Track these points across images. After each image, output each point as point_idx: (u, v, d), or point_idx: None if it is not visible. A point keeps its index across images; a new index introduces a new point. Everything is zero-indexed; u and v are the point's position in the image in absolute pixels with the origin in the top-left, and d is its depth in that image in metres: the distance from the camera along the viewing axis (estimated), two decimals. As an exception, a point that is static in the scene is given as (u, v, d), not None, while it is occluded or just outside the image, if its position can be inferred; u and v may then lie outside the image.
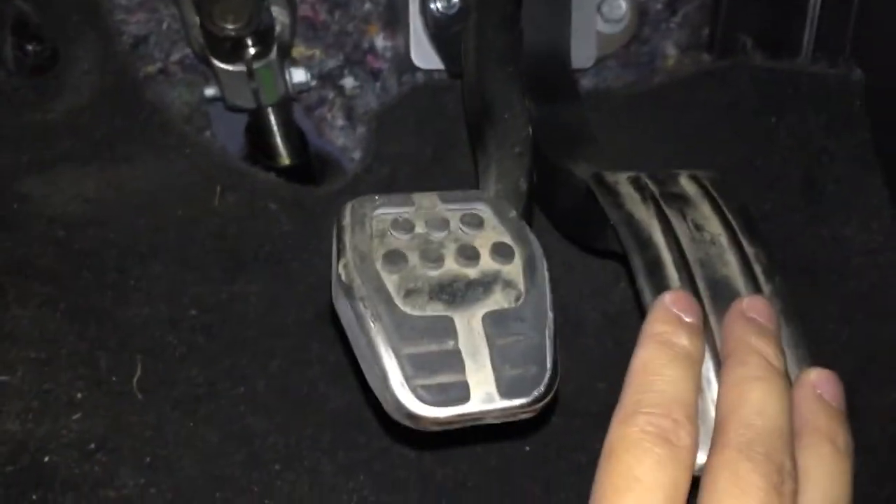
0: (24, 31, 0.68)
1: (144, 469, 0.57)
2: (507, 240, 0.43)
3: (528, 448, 0.63)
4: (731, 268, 0.42)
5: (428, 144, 0.76)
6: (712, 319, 0.40)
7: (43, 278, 0.62)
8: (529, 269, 0.42)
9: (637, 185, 0.46)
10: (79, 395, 0.59)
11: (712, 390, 0.38)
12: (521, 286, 0.41)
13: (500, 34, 0.54)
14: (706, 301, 0.40)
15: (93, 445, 0.57)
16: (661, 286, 0.41)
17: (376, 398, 0.39)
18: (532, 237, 0.43)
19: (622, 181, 0.47)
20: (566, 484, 0.61)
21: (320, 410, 0.61)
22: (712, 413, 0.37)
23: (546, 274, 0.42)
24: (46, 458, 0.56)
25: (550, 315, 0.41)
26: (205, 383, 0.61)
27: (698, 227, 0.44)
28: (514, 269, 0.42)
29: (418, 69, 0.76)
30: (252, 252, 0.67)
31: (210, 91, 0.72)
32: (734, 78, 0.75)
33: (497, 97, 0.52)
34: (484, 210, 0.44)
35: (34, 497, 0.55)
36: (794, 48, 0.71)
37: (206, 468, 0.58)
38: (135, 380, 0.60)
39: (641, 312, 0.41)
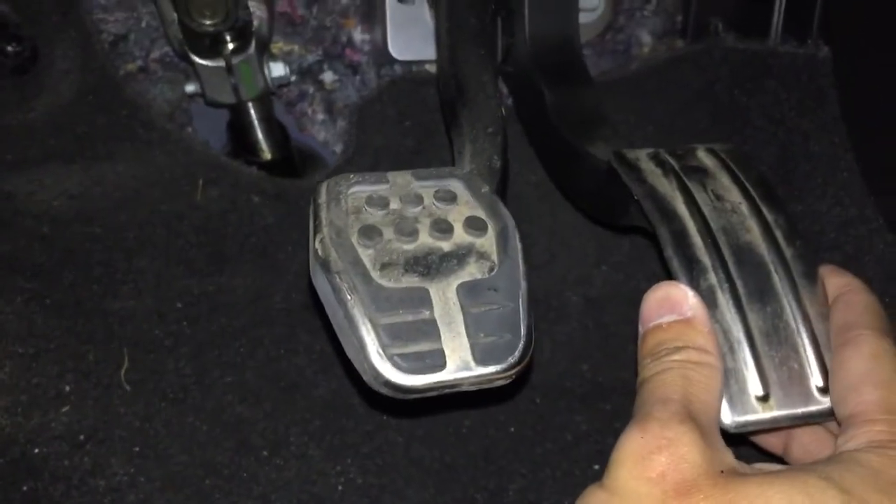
0: (3, 32, 0.69)
1: (134, 458, 0.58)
2: (480, 213, 0.44)
3: (513, 429, 0.63)
4: (754, 234, 0.43)
5: (409, 136, 0.77)
6: (738, 284, 0.41)
7: (29, 274, 0.63)
8: (502, 240, 0.43)
9: (657, 160, 0.48)
10: (67, 388, 0.59)
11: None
12: (495, 257, 0.42)
13: (471, 16, 0.55)
14: (731, 266, 0.42)
15: (82, 437, 0.58)
16: (687, 255, 0.42)
17: (362, 382, 0.40)
18: (504, 211, 0.44)
19: (643, 158, 0.48)
20: (552, 462, 0.62)
21: (308, 397, 0.62)
22: None
23: (518, 245, 0.43)
24: (36, 451, 0.57)
25: (523, 284, 0.41)
26: (193, 373, 0.62)
27: (719, 197, 0.45)
28: (487, 242, 0.43)
29: (397, 61, 0.77)
30: (237, 245, 0.68)
31: (190, 87, 0.73)
32: (708, 61, 0.76)
33: (470, 78, 0.53)
34: (457, 186, 0.45)
35: (25, 489, 0.55)
36: (764, 29, 0.73)
37: (196, 456, 0.59)
38: (123, 372, 0.61)
39: (670, 278, 0.42)
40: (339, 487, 0.59)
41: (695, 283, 0.41)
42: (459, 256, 0.42)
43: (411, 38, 0.75)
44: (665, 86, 0.78)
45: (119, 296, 0.64)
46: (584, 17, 0.80)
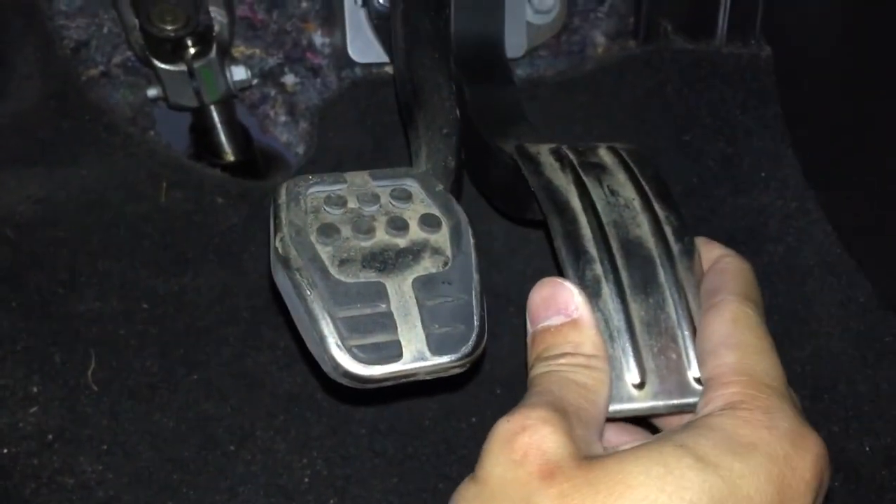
0: (-35, 39, 0.69)
1: (102, 456, 0.59)
2: (435, 211, 0.46)
3: (474, 420, 0.65)
4: (643, 228, 0.45)
5: (370, 136, 0.78)
6: (623, 276, 0.43)
7: (-6, 278, 0.63)
8: (456, 236, 0.45)
9: (557, 154, 0.49)
10: (35, 389, 0.60)
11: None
12: (449, 252, 0.44)
13: (426, 20, 0.57)
14: (618, 258, 0.43)
15: (51, 436, 0.59)
16: (575, 246, 0.43)
17: (326, 377, 0.41)
18: (458, 208, 0.46)
19: (543, 152, 0.49)
20: (511, 451, 0.64)
21: (272, 393, 0.64)
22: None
23: (472, 241, 0.45)
24: (5, 450, 0.58)
25: (476, 277, 0.43)
26: (159, 372, 0.63)
27: (613, 193, 0.46)
28: (441, 238, 0.45)
29: (357, 64, 0.79)
30: (201, 245, 0.69)
31: (153, 92, 0.74)
32: (658, 62, 0.78)
33: (426, 81, 0.55)
34: (412, 185, 0.47)
35: (-6, 488, 0.56)
36: (711, 31, 0.75)
37: (163, 452, 0.60)
38: (89, 372, 0.62)
39: (559, 272, 0.44)
40: (306, 479, 0.60)
41: (580, 274, 0.42)
42: (415, 252, 0.44)
43: (370, 41, 0.77)
44: (618, 85, 0.80)
45: (85, 298, 0.64)
46: (539, 19, 0.83)
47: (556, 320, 0.40)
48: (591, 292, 0.41)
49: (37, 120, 0.71)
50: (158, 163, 0.72)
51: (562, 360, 0.39)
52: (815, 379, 0.64)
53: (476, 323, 0.42)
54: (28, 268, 0.65)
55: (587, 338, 0.39)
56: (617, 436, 0.42)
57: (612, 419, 0.40)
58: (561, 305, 0.40)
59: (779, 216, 0.69)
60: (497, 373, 0.67)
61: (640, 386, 0.40)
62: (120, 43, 0.76)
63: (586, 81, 0.81)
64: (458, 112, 0.54)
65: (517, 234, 0.75)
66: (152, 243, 0.68)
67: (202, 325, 0.65)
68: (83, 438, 0.59)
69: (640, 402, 0.40)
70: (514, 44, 0.80)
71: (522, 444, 0.34)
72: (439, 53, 0.56)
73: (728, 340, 0.39)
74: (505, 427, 0.35)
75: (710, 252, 0.45)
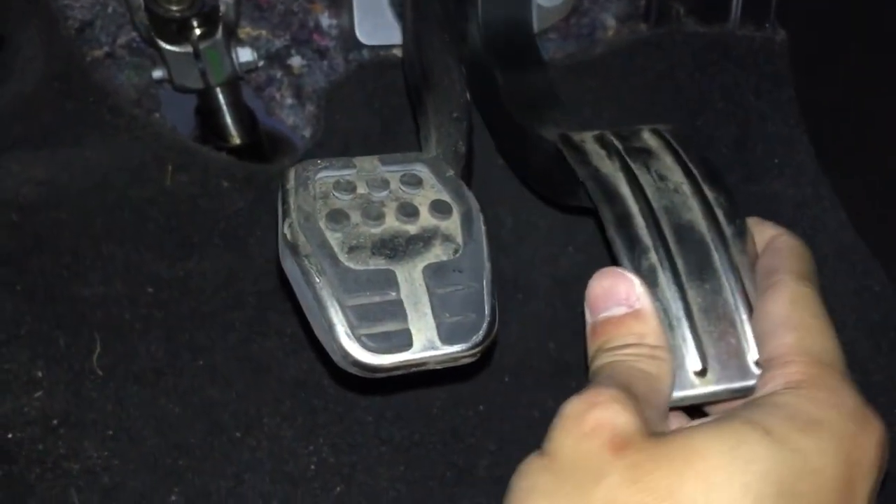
0: (-33, 20, 0.68)
1: (107, 441, 0.59)
2: (445, 197, 0.45)
3: (481, 408, 0.65)
4: (695, 213, 0.44)
5: (377, 119, 0.77)
6: (679, 262, 0.42)
7: (-2, 261, 0.63)
8: (466, 223, 0.44)
9: (602, 142, 0.48)
10: (39, 374, 0.60)
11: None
12: (459, 239, 0.43)
13: (435, 2, 0.56)
14: (672, 245, 0.43)
15: (55, 421, 0.59)
16: (629, 235, 0.43)
17: (333, 363, 0.41)
18: (469, 194, 0.45)
19: (588, 139, 0.49)
20: (520, 439, 0.64)
21: (279, 379, 0.63)
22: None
23: (483, 228, 0.44)
24: (10, 435, 0.57)
25: (488, 265, 0.43)
26: (164, 357, 0.62)
27: (662, 178, 0.46)
28: (452, 225, 0.44)
29: (364, 46, 0.78)
30: (206, 229, 0.68)
31: (158, 73, 0.73)
32: (670, 45, 0.77)
33: (435, 64, 0.54)
34: (422, 170, 0.46)
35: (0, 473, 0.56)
36: (724, 14, 0.74)
37: (169, 438, 0.60)
38: (94, 357, 0.61)
39: (612, 261, 0.43)
40: (312, 466, 0.60)
41: (636, 263, 0.42)
42: (425, 239, 0.43)
43: (378, 23, 0.76)
44: (628, 69, 0.79)
45: (89, 281, 0.64)
46: (549, 2, 0.81)
47: (617, 311, 0.40)
48: (648, 282, 0.41)
49: (40, 101, 0.70)
50: (163, 145, 0.71)
51: (626, 351, 0.39)
52: (828, 368, 0.63)
53: (487, 311, 0.41)
54: (31, 251, 0.64)
55: (650, 328, 0.39)
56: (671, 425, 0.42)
57: (676, 407, 0.40)
58: (622, 296, 0.40)
59: (792, 203, 0.68)
60: (505, 361, 0.67)
61: (702, 373, 0.40)
62: (125, 23, 0.75)
63: (596, 65, 0.80)
64: (468, 95, 0.53)
65: (525, 219, 0.75)
66: (157, 227, 0.67)
67: (207, 310, 0.65)
68: (88, 423, 0.59)
69: (703, 388, 0.40)
70: (524, 27, 0.78)
71: (593, 419, 0.34)
72: (449, 36, 0.55)
73: (787, 321, 0.39)
74: (575, 404, 0.35)
75: (763, 231, 0.44)
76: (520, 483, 0.35)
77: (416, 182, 0.45)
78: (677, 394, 0.39)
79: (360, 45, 0.78)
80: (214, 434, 0.60)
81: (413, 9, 0.56)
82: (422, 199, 0.45)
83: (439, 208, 0.44)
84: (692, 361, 0.40)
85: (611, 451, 0.33)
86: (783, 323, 0.39)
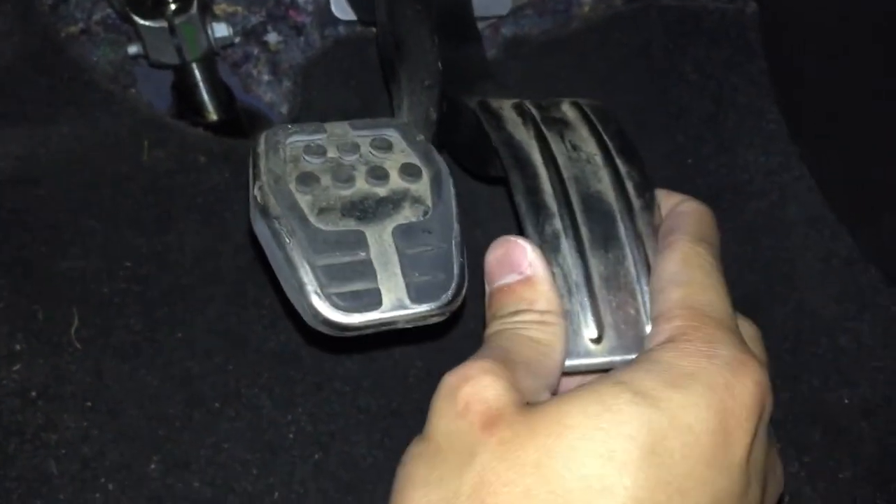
0: (-60, -6, 0.68)
1: (86, 413, 0.59)
2: (415, 160, 0.46)
3: (459, 376, 0.65)
4: (604, 183, 0.44)
5: (354, 95, 0.78)
6: (583, 231, 0.42)
7: (-25, 236, 0.63)
8: (436, 186, 0.44)
9: (519, 110, 0.48)
10: (18, 347, 0.60)
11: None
12: (429, 202, 0.44)
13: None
14: (578, 213, 0.42)
15: (34, 393, 0.59)
16: (535, 201, 0.43)
17: (310, 334, 0.41)
18: (438, 158, 0.46)
19: (506, 107, 0.49)
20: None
21: (257, 351, 0.64)
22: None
23: (452, 190, 0.44)
24: (-12, 407, 0.58)
25: (456, 227, 0.43)
26: (143, 330, 0.63)
27: (575, 148, 0.46)
28: (421, 187, 0.44)
29: (340, 22, 0.78)
30: (184, 204, 0.69)
31: (133, 49, 0.73)
32: (644, 20, 0.78)
33: (408, 33, 0.54)
34: (392, 135, 0.47)
35: (-22, 444, 0.56)
36: (697, -13, 0.75)
37: (148, 410, 0.60)
38: (73, 330, 0.62)
39: (519, 229, 0.43)
40: (290, 435, 0.61)
41: (540, 229, 0.42)
42: (395, 201, 0.43)
43: (353, -1, 0.76)
44: (604, 44, 0.79)
45: (67, 256, 0.64)
46: (525, -23, 0.82)
47: (510, 279, 0.40)
48: (551, 247, 0.41)
49: (16, 78, 0.70)
50: (140, 121, 0.71)
51: (515, 318, 0.39)
52: (796, 333, 0.65)
53: (456, 271, 0.42)
54: (9, 226, 0.64)
55: (540, 294, 0.39)
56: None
57: (569, 373, 0.40)
58: (514, 264, 0.40)
59: (763, 172, 0.69)
60: (481, 330, 0.67)
61: (598, 340, 0.40)
62: None
63: (572, 40, 0.81)
64: (440, 65, 0.54)
65: (501, 193, 0.75)
66: (135, 202, 0.68)
67: (186, 284, 0.65)
68: (67, 395, 0.59)
69: (597, 357, 0.39)
70: (499, 2, 0.79)
71: (464, 395, 0.34)
72: (421, 6, 0.55)
73: (676, 278, 0.39)
74: (448, 380, 0.35)
75: (670, 200, 0.44)
76: (400, 471, 0.35)
77: (387, 146, 0.46)
78: (570, 361, 0.39)
79: (336, 21, 0.78)
80: (193, 405, 0.61)
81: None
82: (392, 163, 0.45)
83: (409, 171, 0.45)
84: (588, 329, 0.40)
85: (481, 428, 0.33)
86: (672, 280, 0.39)
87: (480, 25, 0.72)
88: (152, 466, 0.58)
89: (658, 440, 0.32)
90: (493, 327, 0.39)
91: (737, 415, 0.34)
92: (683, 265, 0.39)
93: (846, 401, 0.62)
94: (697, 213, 0.42)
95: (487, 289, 0.41)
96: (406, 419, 0.63)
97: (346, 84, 0.78)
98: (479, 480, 0.32)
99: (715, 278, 0.39)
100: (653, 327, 0.38)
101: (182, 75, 0.76)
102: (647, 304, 0.40)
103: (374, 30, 0.79)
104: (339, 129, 0.46)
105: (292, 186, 0.42)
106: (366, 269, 0.41)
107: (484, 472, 0.32)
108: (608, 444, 0.32)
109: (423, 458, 0.35)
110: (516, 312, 0.39)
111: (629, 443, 0.32)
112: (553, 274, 0.40)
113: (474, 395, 0.34)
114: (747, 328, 0.40)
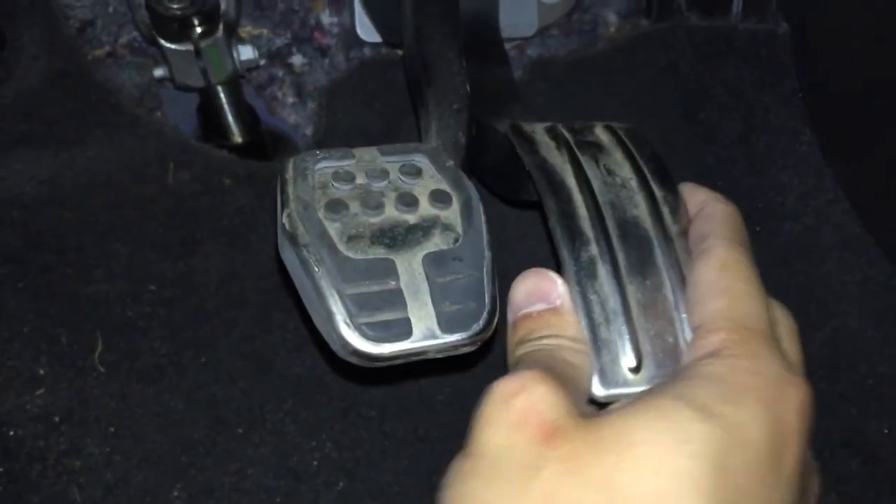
0: (-31, 18, 0.69)
1: (109, 438, 0.59)
2: (445, 187, 0.45)
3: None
4: (640, 209, 0.43)
5: (379, 117, 0.77)
6: (620, 257, 0.41)
7: (1, 259, 0.63)
8: (466, 212, 0.44)
9: (553, 133, 0.48)
10: (41, 371, 0.60)
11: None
12: (459, 229, 0.43)
13: (434, -5, 0.56)
14: (615, 239, 0.41)
15: (57, 418, 0.59)
16: (570, 226, 0.42)
17: (336, 359, 0.40)
18: (468, 183, 0.45)
19: (538, 131, 0.48)
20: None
21: (282, 375, 0.63)
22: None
23: (482, 217, 0.44)
24: (11, 433, 0.57)
25: (488, 254, 0.42)
26: (167, 354, 0.62)
27: (610, 172, 0.45)
28: (451, 214, 0.44)
29: (365, 44, 0.78)
30: (209, 227, 0.68)
31: (159, 72, 0.73)
32: (672, 40, 0.77)
33: (435, 56, 0.54)
34: (421, 160, 0.46)
35: (1, 470, 0.56)
36: (725, 7, 0.74)
37: (171, 434, 0.59)
38: (96, 354, 0.61)
39: (554, 255, 0.42)
40: (315, 462, 0.60)
41: (576, 254, 0.41)
42: (425, 228, 0.43)
43: (379, 21, 0.76)
44: (631, 64, 0.79)
45: (92, 279, 0.64)
46: (550, -2, 0.81)
47: (538, 307, 0.39)
48: (587, 273, 0.40)
49: (42, 100, 0.70)
50: (165, 143, 0.71)
51: (546, 341, 0.38)
52: (833, 360, 0.63)
53: (487, 300, 0.41)
54: (35, 249, 0.64)
55: (570, 324, 0.38)
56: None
57: (607, 403, 0.39)
58: (544, 293, 0.39)
59: (796, 194, 0.68)
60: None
61: (636, 370, 0.38)
62: (126, 22, 0.75)
63: (598, 61, 0.80)
64: (468, 87, 0.53)
65: (529, 216, 0.75)
66: (159, 224, 0.67)
67: (211, 307, 0.65)
68: (90, 420, 0.59)
69: (635, 387, 0.38)
70: (525, 23, 0.78)
71: (519, 405, 0.32)
72: (449, 28, 0.55)
73: (715, 286, 0.38)
74: (500, 389, 0.34)
75: (696, 196, 0.44)
76: (446, 493, 0.33)
77: (416, 172, 0.45)
78: (609, 391, 0.38)
79: (361, 43, 0.78)
80: (217, 430, 0.60)
81: (413, 2, 0.56)
82: (421, 189, 0.44)
83: (439, 198, 0.44)
84: (626, 357, 0.39)
85: (542, 441, 0.32)
86: (711, 289, 0.38)
87: (506, 47, 0.71)
88: (175, 493, 0.57)
89: (723, 457, 0.32)
90: (522, 349, 0.38)
91: (787, 430, 0.34)
92: (722, 272, 0.38)
93: (886, 430, 0.60)
94: (727, 213, 0.42)
95: (511, 317, 0.40)
96: (433, 445, 0.62)
97: (370, 106, 0.78)
98: (544, 497, 0.31)
99: (753, 285, 0.38)
100: (695, 339, 0.37)
101: (207, 98, 0.76)
102: (686, 333, 0.39)
103: (398, 52, 0.78)
104: (368, 154, 0.46)
105: (321, 214, 0.42)
106: (395, 299, 0.40)
107: (550, 489, 0.31)
108: (679, 461, 0.31)
109: (473, 475, 0.33)
110: (548, 336, 0.38)
111: (699, 460, 0.31)
112: (590, 301, 0.39)
113: (530, 405, 0.32)
114: (784, 321, 0.39)
